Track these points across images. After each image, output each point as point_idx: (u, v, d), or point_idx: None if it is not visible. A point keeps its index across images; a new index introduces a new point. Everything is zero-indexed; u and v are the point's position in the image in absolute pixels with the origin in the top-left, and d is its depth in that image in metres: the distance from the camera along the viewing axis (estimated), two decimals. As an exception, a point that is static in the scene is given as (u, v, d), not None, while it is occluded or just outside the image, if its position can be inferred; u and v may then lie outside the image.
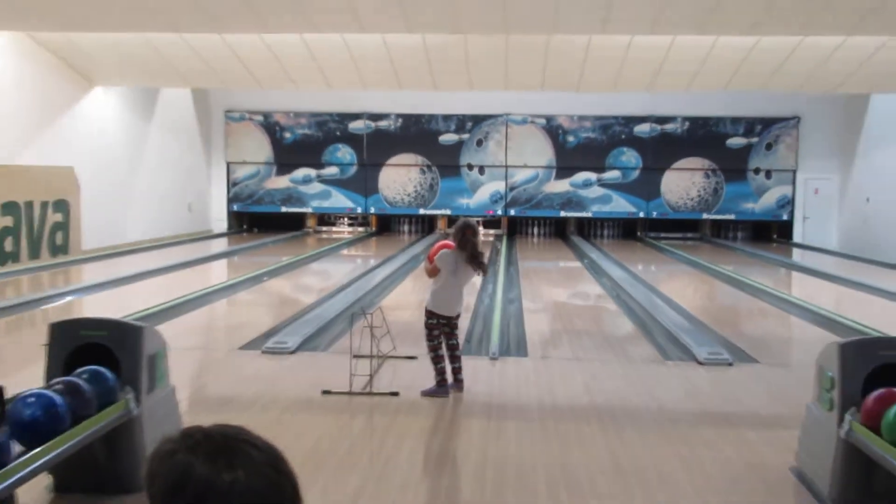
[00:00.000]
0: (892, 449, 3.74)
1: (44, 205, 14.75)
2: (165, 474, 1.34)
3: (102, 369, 4.21)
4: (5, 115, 14.00)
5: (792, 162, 22.07)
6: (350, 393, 6.24)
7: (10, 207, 13.79)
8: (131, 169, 18.29)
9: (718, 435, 5.52)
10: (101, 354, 4.32)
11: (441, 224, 22.59)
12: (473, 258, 6.20)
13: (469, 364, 6.76)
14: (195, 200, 21.73)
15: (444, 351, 6.35)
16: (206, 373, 7.17)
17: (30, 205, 14.32)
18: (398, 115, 22.38)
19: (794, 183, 22.13)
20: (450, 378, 6.37)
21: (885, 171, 19.21)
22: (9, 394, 3.49)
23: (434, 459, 5.09)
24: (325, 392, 6.27)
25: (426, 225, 23.06)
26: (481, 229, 20.47)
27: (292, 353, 7.64)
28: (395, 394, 6.28)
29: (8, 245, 13.76)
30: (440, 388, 6.29)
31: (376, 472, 4.70)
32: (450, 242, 6.36)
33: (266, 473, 1.34)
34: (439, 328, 6.31)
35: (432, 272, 6.31)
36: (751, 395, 6.56)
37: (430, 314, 6.30)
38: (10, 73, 14.16)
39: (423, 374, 6.58)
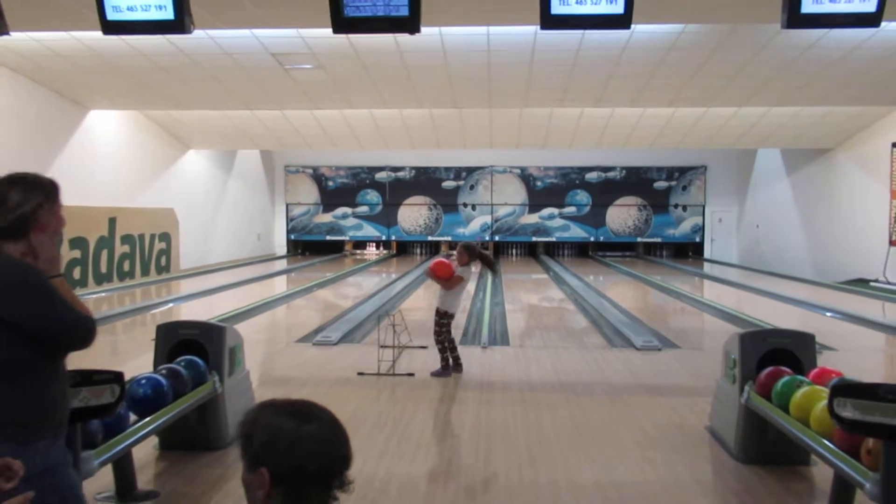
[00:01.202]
0: (779, 411, 3.72)
1: (152, 236, 14.76)
2: (261, 433, 1.34)
3: (195, 358, 4.21)
4: (123, 170, 14.06)
5: (702, 199, 22.07)
6: (378, 374, 6.21)
7: (128, 238, 13.80)
8: (215, 209, 18.32)
9: (651, 402, 5.48)
10: (194, 347, 4.32)
11: (444, 247, 22.49)
12: (490, 264, 6.41)
13: (465, 352, 6.74)
14: (263, 231, 21.73)
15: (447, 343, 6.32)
16: (271, 360, 7.15)
17: (142, 236, 14.34)
18: (412, 168, 22.41)
19: (703, 214, 22.10)
20: (451, 362, 6.34)
21: (768, 204, 19.30)
22: (126, 377, 3.48)
23: (441, 423, 5.06)
24: (360, 373, 6.23)
25: (433, 248, 22.98)
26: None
27: (335, 344, 7.60)
28: (411, 374, 6.24)
29: (126, 266, 13.76)
30: (444, 370, 6.25)
31: (398, 432, 4.68)
32: (443, 259, 6.29)
33: (332, 427, 1.38)
34: (448, 324, 6.23)
35: (457, 281, 6.08)
36: (675, 372, 6.53)
37: (444, 314, 6.17)
38: (127, 140, 14.23)
39: (431, 359, 6.56)
